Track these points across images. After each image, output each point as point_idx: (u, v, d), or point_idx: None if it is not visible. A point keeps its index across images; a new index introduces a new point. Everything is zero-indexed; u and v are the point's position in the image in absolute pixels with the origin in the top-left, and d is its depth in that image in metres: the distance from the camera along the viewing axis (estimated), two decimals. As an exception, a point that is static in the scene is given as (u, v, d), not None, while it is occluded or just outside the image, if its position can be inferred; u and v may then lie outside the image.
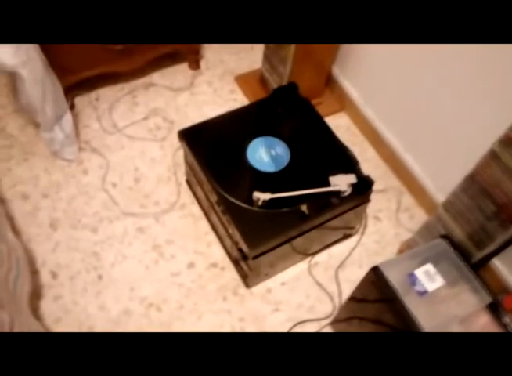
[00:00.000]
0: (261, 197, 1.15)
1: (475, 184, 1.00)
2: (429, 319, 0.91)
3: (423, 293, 0.94)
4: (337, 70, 1.68)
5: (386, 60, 1.45)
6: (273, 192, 1.16)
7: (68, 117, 1.40)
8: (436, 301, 0.94)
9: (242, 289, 1.34)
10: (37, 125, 1.44)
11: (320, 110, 1.59)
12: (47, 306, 1.25)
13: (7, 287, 1.00)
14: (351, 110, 1.68)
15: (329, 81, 1.71)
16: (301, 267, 1.39)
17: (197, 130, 1.27)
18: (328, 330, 1.29)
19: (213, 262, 1.37)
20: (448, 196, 1.10)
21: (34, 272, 1.28)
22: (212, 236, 1.41)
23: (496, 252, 1.16)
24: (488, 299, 0.94)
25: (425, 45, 1.24)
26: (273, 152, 1.24)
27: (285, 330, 1.28)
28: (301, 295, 1.35)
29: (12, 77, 1.21)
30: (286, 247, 1.23)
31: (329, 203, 1.19)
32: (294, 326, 1.29)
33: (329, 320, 1.30)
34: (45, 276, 1.29)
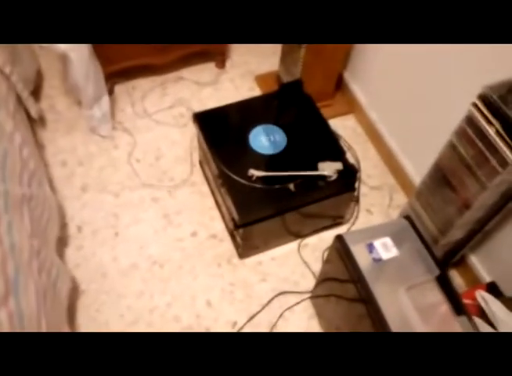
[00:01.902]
0: (255, 173, 1.33)
1: (438, 172, 1.14)
2: (380, 283, 1.05)
3: (378, 260, 1.08)
4: (347, 76, 1.84)
5: (392, 68, 1.60)
6: (267, 171, 1.34)
7: (106, 99, 1.64)
8: (388, 269, 1.08)
9: (235, 259, 1.51)
10: (80, 106, 1.69)
11: (330, 111, 1.76)
12: (70, 253, 1.48)
13: (39, 224, 1.23)
14: (358, 113, 1.83)
15: (341, 85, 1.87)
16: (291, 246, 1.55)
17: (210, 114, 1.47)
18: (307, 302, 1.44)
19: (213, 234, 1.55)
20: (419, 184, 1.23)
21: (63, 225, 1.51)
22: (215, 212, 1.59)
23: (463, 243, 1.28)
24: (437, 272, 1.07)
25: (427, 55, 1.38)
26: (272, 138, 1.42)
27: (268, 298, 1.44)
28: (288, 271, 1.50)
29: (63, 61, 1.47)
30: (276, 222, 1.39)
31: (316, 185, 1.35)
32: (277, 295, 1.44)
33: (309, 295, 1.45)
34: (71, 229, 1.52)
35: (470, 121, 0.98)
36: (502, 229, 1.29)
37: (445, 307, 1.03)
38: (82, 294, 1.41)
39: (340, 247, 1.11)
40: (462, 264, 1.47)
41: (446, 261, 1.36)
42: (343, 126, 1.83)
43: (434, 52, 1.35)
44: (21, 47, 1.62)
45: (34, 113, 1.59)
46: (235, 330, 1.38)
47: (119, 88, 1.85)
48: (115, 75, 1.76)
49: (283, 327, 1.39)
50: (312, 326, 1.40)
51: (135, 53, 1.71)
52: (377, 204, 1.65)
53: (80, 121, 1.75)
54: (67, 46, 1.37)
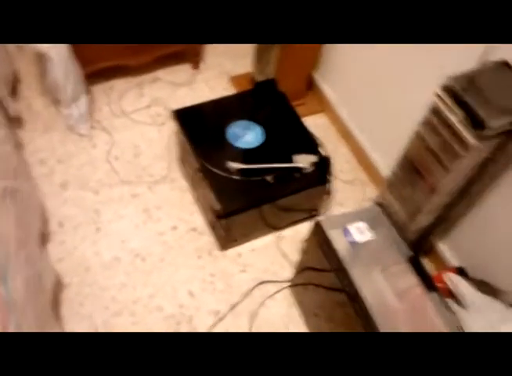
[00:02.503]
0: (233, 166, 1.39)
1: (407, 161, 1.23)
2: (355, 263, 1.12)
3: (354, 243, 1.15)
4: (318, 76, 1.94)
5: (359, 67, 1.70)
6: (245, 164, 1.40)
7: (84, 99, 1.66)
8: (363, 251, 1.15)
9: (216, 251, 1.56)
10: (58, 106, 1.71)
11: (302, 110, 1.83)
12: (53, 248, 1.49)
13: (24, 217, 1.24)
14: (329, 111, 1.92)
15: (312, 86, 1.96)
16: (270, 238, 1.61)
17: (188, 111, 1.52)
18: (287, 291, 1.50)
19: (193, 227, 1.60)
20: (390, 173, 1.32)
21: (45, 221, 1.52)
22: (195, 207, 1.64)
23: (431, 230, 1.37)
24: (409, 253, 1.15)
25: (391, 54, 1.48)
26: (249, 133, 1.48)
27: (249, 288, 1.49)
28: (267, 261, 1.56)
29: (42, 61, 1.49)
30: (255, 213, 1.45)
31: (292, 176, 1.42)
32: (257, 285, 1.50)
33: (288, 284, 1.51)
34: (53, 225, 1.53)
35: (434, 110, 1.07)
36: (466, 217, 1.39)
37: (417, 285, 1.11)
38: (66, 288, 1.42)
39: (318, 232, 1.18)
40: (431, 252, 1.56)
41: (416, 248, 1.45)
42: (315, 124, 1.91)
43: (397, 52, 1.45)
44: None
45: (12, 112, 1.60)
46: (217, 319, 1.42)
47: (96, 89, 1.87)
48: (92, 76, 1.78)
49: (264, 315, 1.45)
50: (292, 313, 1.46)
51: (111, 54, 1.75)
52: (350, 198, 1.73)
53: (57, 121, 1.76)
54: (48, 45, 1.40)
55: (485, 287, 1.27)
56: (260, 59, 1.83)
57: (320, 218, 1.20)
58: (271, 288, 1.50)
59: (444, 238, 1.51)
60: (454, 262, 1.48)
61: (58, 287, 1.39)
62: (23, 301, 1.01)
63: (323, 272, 1.25)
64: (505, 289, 1.27)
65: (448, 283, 1.28)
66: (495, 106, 0.99)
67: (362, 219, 1.20)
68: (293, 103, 1.63)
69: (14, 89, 1.80)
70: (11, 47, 1.78)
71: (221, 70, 2.02)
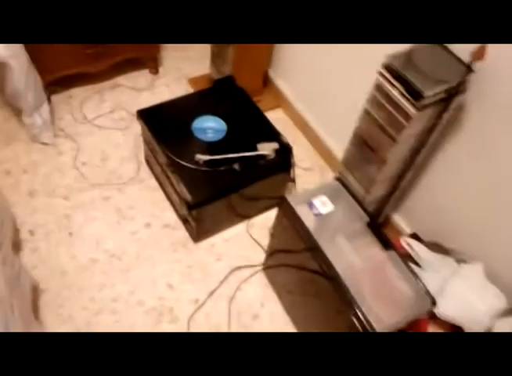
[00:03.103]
0: (201, 158, 1.45)
1: (358, 138, 1.34)
2: (321, 232, 1.21)
3: (318, 215, 1.24)
4: (272, 73, 2.04)
5: (311, 63, 1.81)
6: (212, 155, 1.47)
7: (46, 107, 1.69)
8: (327, 221, 1.25)
9: (190, 244, 1.62)
10: (19, 117, 1.72)
11: (260, 106, 1.92)
12: (26, 256, 1.50)
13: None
14: (285, 106, 2.03)
15: (267, 83, 2.06)
16: (240, 227, 1.68)
17: (152, 110, 1.58)
18: (261, 273, 1.57)
19: (166, 223, 1.65)
20: (344, 151, 1.43)
21: (15, 230, 1.52)
22: (166, 204, 1.69)
23: (385, 200, 1.49)
24: (367, 219, 1.25)
25: (336, 47, 1.60)
26: (213, 126, 1.55)
27: (225, 275, 1.55)
28: (240, 249, 1.63)
29: (3, 70, 1.51)
30: (225, 202, 1.52)
31: (257, 164, 1.50)
32: (232, 271, 1.56)
33: (261, 267, 1.58)
34: (24, 233, 1.54)
35: (378, 87, 1.18)
36: (415, 187, 1.52)
37: (375, 245, 1.21)
38: (43, 293, 1.43)
39: (285, 207, 1.26)
40: (388, 223, 1.68)
41: (374, 218, 1.55)
42: (273, 118, 1.98)
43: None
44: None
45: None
46: (197, 306, 1.47)
47: (56, 98, 1.90)
48: (52, 84, 1.81)
49: (241, 297, 1.51)
50: (267, 293, 1.53)
51: (69, 62, 1.78)
52: (311, 183, 1.83)
53: (20, 132, 1.78)
54: (8, 54, 1.42)
55: (437, 248, 1.40)
56: (216, 59, 1.91)
57: (287, 196, 1.28)
58: (245, 273, 1.57)
59: (397, 209, 1.63)
60: (408, 230, 1.60)
61: (35, 293, 1.40)
62: (8, 297, 1.04)
63: (292, 252, 1.34)
64: (453, 248, 1.40)
65: (406, 246, 1.40)
66: (430, 79, 1.11)
67: (323, 193, 1.29)
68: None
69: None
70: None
71: (179, 73, 2.09)
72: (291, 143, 1.91)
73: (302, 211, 1.24)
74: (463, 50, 1.11)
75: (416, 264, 1.38)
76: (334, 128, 1.82)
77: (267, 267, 1.58)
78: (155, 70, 2.05)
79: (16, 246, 1.49)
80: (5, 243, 1.28)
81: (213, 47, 1.91)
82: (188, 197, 1.42)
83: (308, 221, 1.22)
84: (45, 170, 1.71)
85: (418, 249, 1.39)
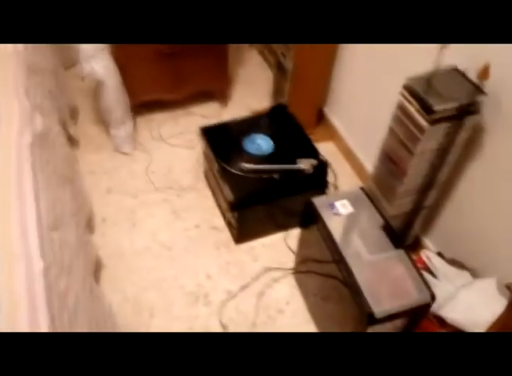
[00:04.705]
0: (246, 166, 1.69)
1: (384, 153, 1.49)
2: (339, 231, 1.35)
3: (338, 214, 1.39)
4: (327, 110, 2.27)
5: (363, 103, 2.02)
6: (256, 165, 1.70)
7: (130, 123, 2.06)
8: (346, 220, 1.39)
9: (232, 245, 1.82)
10: (108, 132, 2.10)
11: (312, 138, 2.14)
12: (96, 238, 1.79)
13: (74, 200, 1.57)
14: (337, 139, 2.23)
15: (322, 119, 2.29)
16: (278, 236, 1.85)
17: (213, 128, 1.87)
18: (290, 276, 1.71)
19: (213, 226, 1.87)
20: (373, 167, 1.58)
21: (91, 216, 1.84)
22: (216, 211, 1.92)
23: (410, 218, 1.59)
24: (383, 223, 1.37)
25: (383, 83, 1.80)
26: (261, 143, 1.79)
27: (257, 273, 1.71)
28: (275, 254, 1.79)
29: (100, 88, 1.89)
30: (265, 209, 1.72)
31: (296, 177, 1.70)
32: (265, 271, 1.72)
33: (292, 271, 1.73)
34: (97, 220, 1.85)
35: (399, 106, 1.35)
36: (444, 209, 1.61)
37: (386, 243, 1.33)
38: (104, 268, 1.70)
39: (310, 208, 1.43)
40: (418, 247, 1.76)
41: (388, 222, 1.60)
42: (324, 149, 2.21)
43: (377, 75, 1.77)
44: (64, 80, 2.08)
45: (72, 134, 2.00)
46: (229, 296, 1.64)
47: (139, 119, 2.27)
48: (137, 106, 2.19)
49: (270, 295, 1.66)
50: (294, 293, 1.67)
51: (153, 89, 2.16)
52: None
53: (107, 144, 2.15)
54: (105, 73, 1.81)
55: (456, 264, 1.46)
56: (275, 94, 2.20)
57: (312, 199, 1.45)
58: (277, 274, 1.72)
59: (428, 233, 1.71)
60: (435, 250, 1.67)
61: (98, 265, 1.67)
62: (76, 249, 1.30)
63: (321, 262, 1.48)
64: (472, 267, 1.45)
65: (425, 259, 1.49)
66: (443, 98, 1.26)
67: (345, 198, 1.45)
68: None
69: (74, 118, 2.23)
70: (72, 81, 2.22)
71: (245, 105, 2.39)
72: (338, 173, 2.09)
73: (324, 211, 1.41)
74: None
75: (433, 276, 1.45)
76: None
77: (297, 272, 1.72)
78: (224, 102, 2.38)
79: (90, 228, 1.80)
80: (79, 217, 1.58)
81: (274, 83, 2.21)
82: (231, 197, 1.64)
83: (328, 219, 1.38)
84: (122, 174, 2.04)
85: (436, 261, 1.47)
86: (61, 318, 1.02)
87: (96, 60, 1.78)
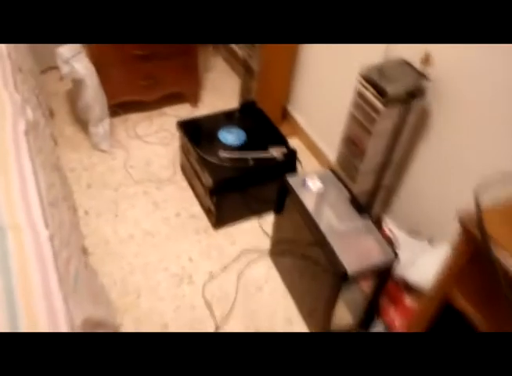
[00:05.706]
0: (223, 154, 1.83)
1: (346, 138, 1.68)
2: (311, 204, 1.52)
3: (309, 189, 1.56)
4: (290, 107, 2.46)
5: (322, 98, 2.22)
6: (231, 153, 1.85)
7: (107, 120, 2.16)
8: (317, 196, 1.56)
9: (210, 230, 1.95)
10: (86, 131, 2.19)
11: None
12: (81, 229, 1.87)
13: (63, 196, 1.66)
14: (301, 135, 2.41)
15: (286, 116, 2.47)
16: (254, 222, 2.00)
17: (189, 121, 2.00)
18: (267, 257, 1.86)
19: (192, 214, 2.00)
20: (337, 152, 1.76)
21: (74, 210, 1.91)
22: (194, 201, 2.05)
23: (372, 196, 1.78)
24: (350, 196, 1.55)
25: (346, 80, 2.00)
26: (235, 134, 1.95)
27: (235, 255, 1.85)
28: (251, 237, 1.93)
29: (78, 86, 1.99)
30: (241, 195, 1.86)
31: (268, 163, 1.86)
32: (242, 253, 1.86)
33: (268, 252, 1.87)
34: (80, 212, 1.93)
35: (358, 93, 1.55)
36: (400, 189, 1.81)
37: (354, 214, 1.50)
38: (91, 255, 1.78)
39: (284, 184, 1.59)
40: (380, 225, 1.94)
41: (355, 196, 1.74)
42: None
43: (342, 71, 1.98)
44: (41, 82, 2.16)
45: (51, 132, 2.08)
46: (211, 277, 1.76)
47: (116, 119, 2.37)
48: (114, 107, 2.29)
49: (249, 274, 1.79)
50: (271, 272, 1.81)
51: (128, 90, 2.28)
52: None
53: (85, 142, 2.24)
54: (85, 73, 1.92)
55: (414, 234, 1.66)
56: (243, 93, 2.36)
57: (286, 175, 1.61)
58: (254, 256, 1.86)
59: (387, 211, 1.91)
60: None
61: (84, 252, 1.75)
62: (68, 229, 1.39)
63: (295, 242, 1.64)
64: (428, 236, 1.65)
65: (386, 230, 1.67)
66: (394, 83, 1.47)
67: (317, 177, 1.62)
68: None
69: (51, 119, 2.30)
70: (47, 86, 2.31)
71: (214, 107, 2.54)
72: (305, 165, 2.26)
73: (297, 186, 1.57)
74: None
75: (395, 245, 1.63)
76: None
77: (272, 252, 1.86)
78: (195, 103, 2.52)
79: (76, 219, 1.88)
80: (70, 209, 1.67)
81: (242, 83, 2.37)
82: (210, 183, 1.78)
83: (302, 193, 1.54)
84: (101, 169, 2.13)
85: (396, 232, 1.66)
86: (67, 282, 1.12)
87: (76, 60, 1.89)
